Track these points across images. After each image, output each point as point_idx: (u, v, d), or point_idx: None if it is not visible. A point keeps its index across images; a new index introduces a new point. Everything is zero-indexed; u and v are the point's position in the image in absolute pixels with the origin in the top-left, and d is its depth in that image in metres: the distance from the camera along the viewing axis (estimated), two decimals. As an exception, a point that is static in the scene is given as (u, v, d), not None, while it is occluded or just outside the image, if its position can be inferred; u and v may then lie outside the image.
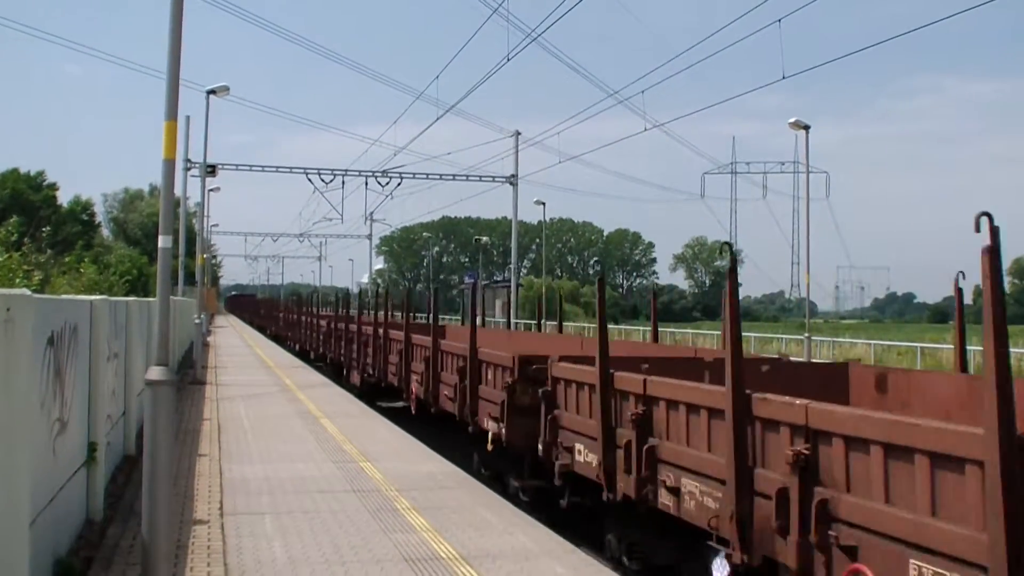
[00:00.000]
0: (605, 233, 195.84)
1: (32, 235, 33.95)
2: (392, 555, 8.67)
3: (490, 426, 13.37)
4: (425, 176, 59.06)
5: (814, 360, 31.53)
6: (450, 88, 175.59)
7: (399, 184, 57.51)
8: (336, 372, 31.13)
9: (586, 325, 68.59)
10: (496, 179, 60.22)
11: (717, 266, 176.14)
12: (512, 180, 59.51)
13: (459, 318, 33.31)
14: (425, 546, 9.00)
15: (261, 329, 69.45)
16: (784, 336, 51.58)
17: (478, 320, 16.72)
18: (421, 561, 8.47)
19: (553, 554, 8.81)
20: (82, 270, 34.80)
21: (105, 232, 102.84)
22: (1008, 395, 5.05)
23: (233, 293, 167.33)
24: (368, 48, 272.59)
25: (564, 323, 25.85)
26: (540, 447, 11.38)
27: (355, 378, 27.09)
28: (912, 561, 5.64)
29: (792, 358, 19.26)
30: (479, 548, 8.97)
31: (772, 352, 39.50)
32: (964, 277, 9.13)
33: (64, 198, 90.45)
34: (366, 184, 57.47)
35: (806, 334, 39.31)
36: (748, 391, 7.34)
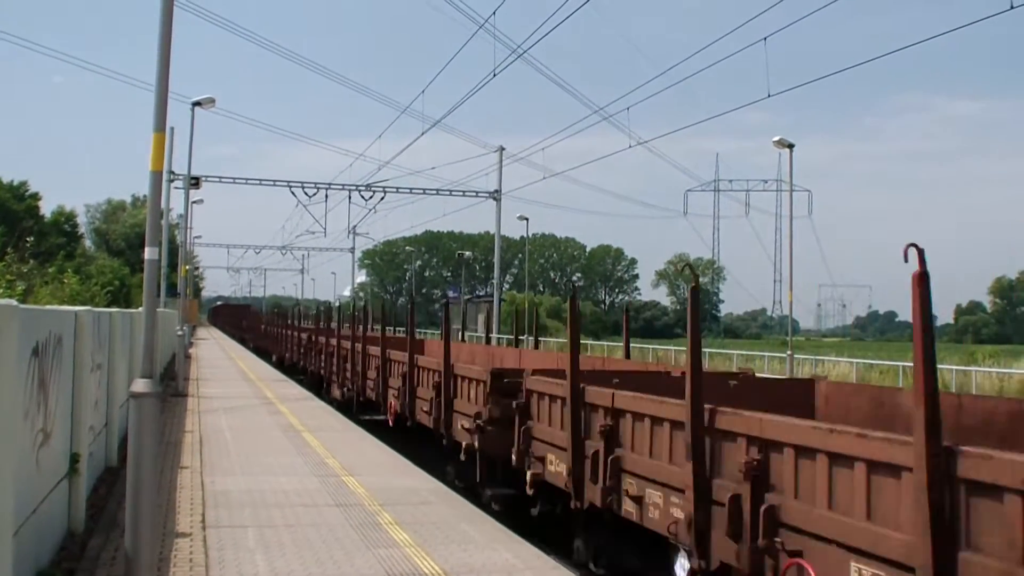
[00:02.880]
0: (588, 249, 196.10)
1: (15, 245, 33.82)
2: (375, 570, 8.65)
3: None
4: (409, 191, 58.96)
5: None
6: (435, 103, 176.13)
7: (383, 198, 57.39)
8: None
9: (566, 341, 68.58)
10: (480, 194, 60.21)
11: (700, 283, 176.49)
12: (496, 195, 59.48)
13: (436, 332, 33.64)
14: (408, 561, 8.99)
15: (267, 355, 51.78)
16: (766, 353, 51.70)
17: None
18: (404, 576, 8.47)
19: (537, 570, 8.81)
20: (65, 280, 34.67)
21: (88, 243, 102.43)
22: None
23: (218, 303, 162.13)
24: (354, 62, 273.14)
25: (546, 338, 25.99)
26: None
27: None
28: (852, 564, 5.99)
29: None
30: (462, 563, 8.96)
31: (758, 370, 39.50)
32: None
33: (47, 208, 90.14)
34: (349, 198, 57.30)
35: (788, 352, 39.45)
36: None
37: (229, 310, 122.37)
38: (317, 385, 31.71)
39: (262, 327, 62.27)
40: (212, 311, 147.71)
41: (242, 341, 72.92)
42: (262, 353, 53.40)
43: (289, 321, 46.01)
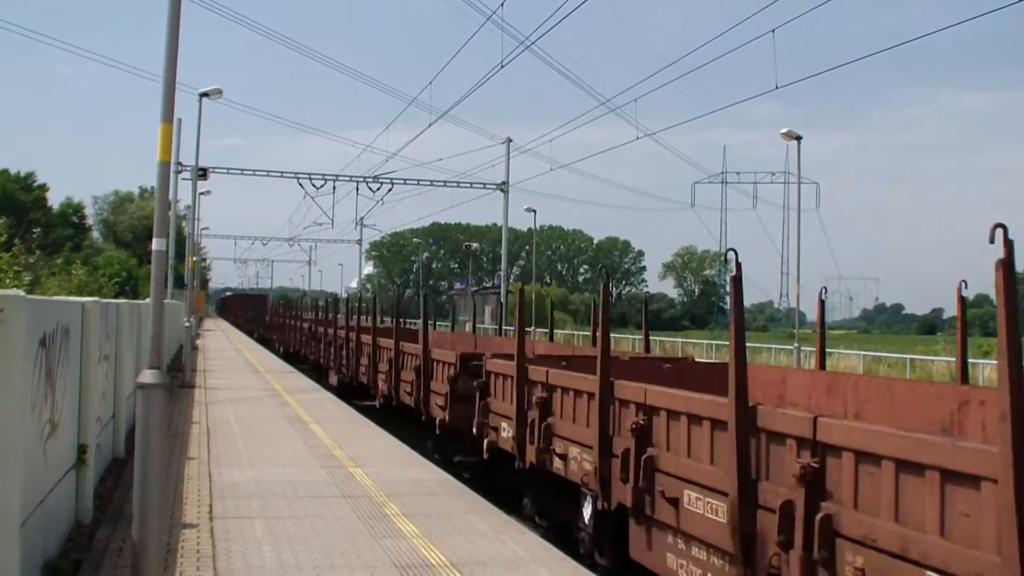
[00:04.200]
0: (595, 241, 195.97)
1: (22, 236, 33.92)
2: (382, 561, 8.65)
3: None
4: (416, 182, 58.93)
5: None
6: (443, 94, 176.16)
7: (390, 190, 57.40)
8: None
9: (574, 332, 68.67)
10: (487, 186, 60.14)
11: (706, 275, 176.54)
12: (503, 187, 59.41)
13: (447, 324, 33.26)
14: (415, 552, 8.99)
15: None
16: (773, 346, 51.62)
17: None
18: (411, 568, 8.46)
19: (543, 561, 8.81)
20: (73, 271, 34.76)
21: (95, 234, 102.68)
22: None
23: (227, 294, 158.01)
24: (362, 53, 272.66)
25: (554, 330, 25.80)
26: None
27: None
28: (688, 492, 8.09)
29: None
30: (469, 555, 8.96)
31: (761, 363, 39.47)
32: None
33: (54, 200, 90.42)
34: (357, 189, 57.31)
35: (795, 344, 39.38)
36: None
37: (240, 301, 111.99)
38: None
39: (303, 326, 43.03)
40: (220, 302, 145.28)
41: (263, 341, 60.27)
42: (299, 361, 39.47)
43: (371, 319, 25.60)
